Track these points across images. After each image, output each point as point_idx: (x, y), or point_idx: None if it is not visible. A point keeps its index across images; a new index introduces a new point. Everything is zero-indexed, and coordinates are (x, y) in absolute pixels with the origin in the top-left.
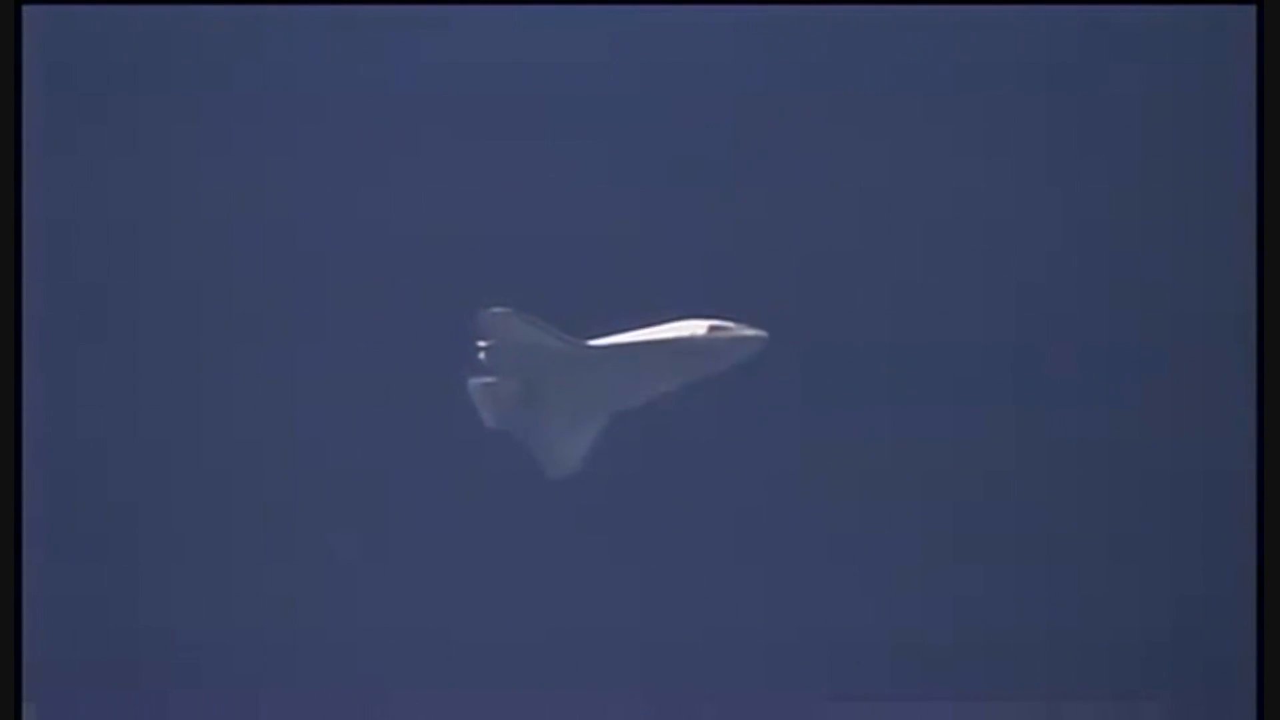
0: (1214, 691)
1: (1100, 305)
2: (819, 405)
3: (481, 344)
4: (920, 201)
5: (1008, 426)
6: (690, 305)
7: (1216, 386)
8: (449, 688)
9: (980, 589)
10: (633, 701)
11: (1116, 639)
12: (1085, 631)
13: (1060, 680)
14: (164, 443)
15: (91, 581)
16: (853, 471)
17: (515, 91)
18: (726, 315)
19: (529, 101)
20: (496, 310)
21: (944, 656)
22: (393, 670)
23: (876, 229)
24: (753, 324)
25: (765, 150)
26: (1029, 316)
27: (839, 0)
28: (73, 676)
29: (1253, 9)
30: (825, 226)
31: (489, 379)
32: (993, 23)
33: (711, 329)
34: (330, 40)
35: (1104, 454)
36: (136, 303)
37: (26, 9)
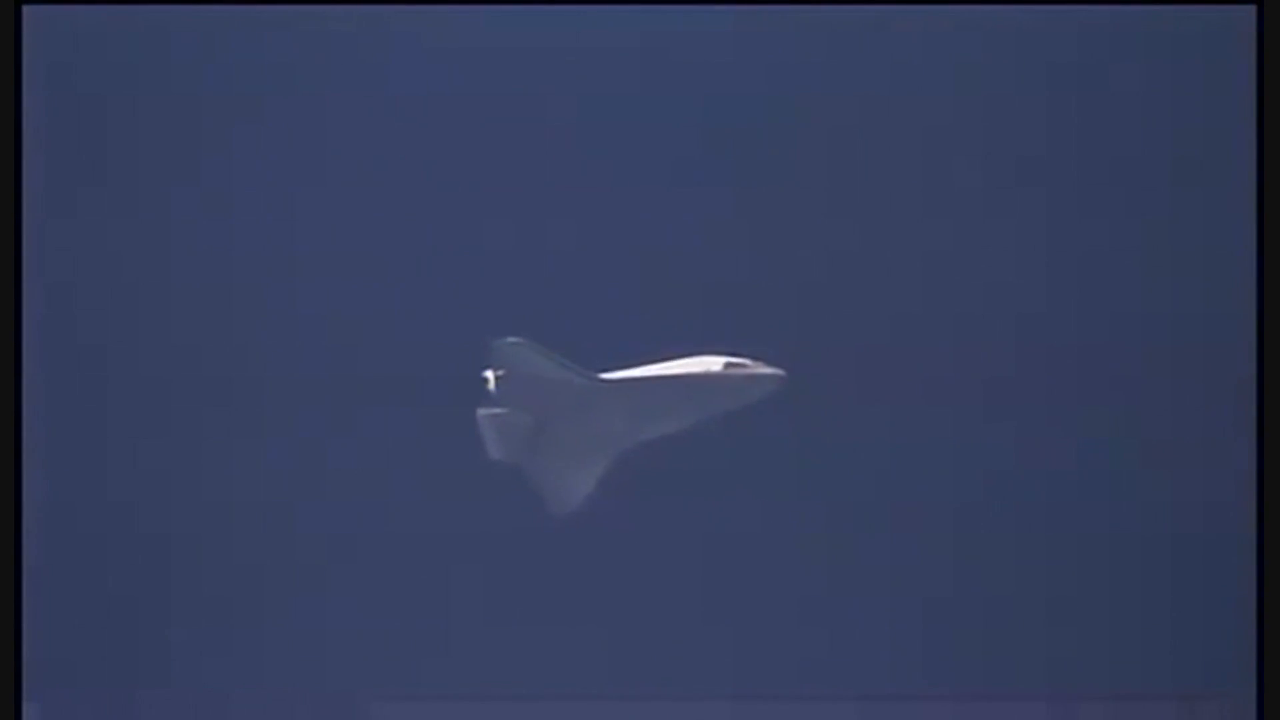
0: (1214, 691)
1: (1101, 305)
2: (821, 415)
3: (492, 374)
4: (920, 207)
5: (1009, 427)
6: (708, 340)
7: (1217, 386)
8: (443, 697)
9: (980, 588)
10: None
11: (1117, 639)
12: (1085, 631)
13: (1060, 680)
14: (165, 443)
15: (91, 580)
16: (853, 471)
17: (537, 116)
18: (744, 352)
19: (549, 129)
20: (510, 340)
21: (944, 656)
22: (391, 673)
23: (892, 257)
24: (770, 361)
25: (795, 183)
26: (1029, 316)
27: (842, 0)
28: (73, 676)
29: (1253, 9)
30: (850, 264)
31: (498, 410)
32: (992, 22)
33: (728, 365)
34: (335, 44)
35: (1104, 454)
36: (137, 306)
37: (26, 9)
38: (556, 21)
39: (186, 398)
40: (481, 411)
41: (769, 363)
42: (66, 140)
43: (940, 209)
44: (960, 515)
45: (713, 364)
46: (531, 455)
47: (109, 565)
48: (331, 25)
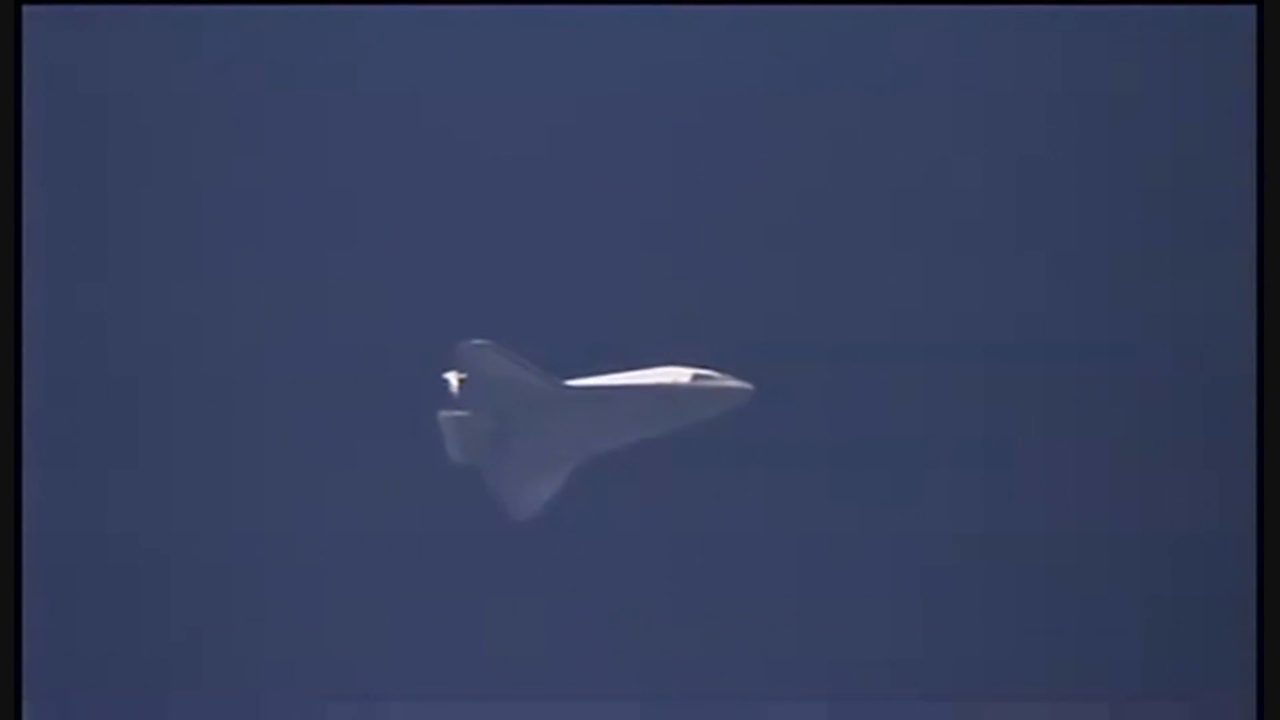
0: (1214, 691)
1: (1100, 305)
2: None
3: (455, 376)
4: (919, 206)
5: (1009, 427)
6: (678, 351)
7: (1217, 385)
8: (443, 695)
9: (981, 590)
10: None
11: (1117, 639)
12: (1086, 631)
13: (1061, 680)
14: (165, 445)
15: (91, 582)
16: (849, 474)
17: (513, 122)
18: (714, 364)
19: (526, 135)
20: (476, 343)
21: (944, 656)
22: (392, 671)
23: (878, 258)
24: (739, 374)
25: (774, 193)
26: (1030, 315)
27: (842, 0)
28: (73, 676)
29: (1253, 9)
30: (841, 265)
31: (461, 412)
32: (993, 23)
33: (695, 378)
34: (330, 44)
35: (1104, 455)
36: (136, 305)
37: (26, 9)
38: (538, 25)
39: (185, 398)
40: (444, 413)
41: (739, 375)
42: (66, 140)
43: (938, 210)
44: (958, 516)
45: (680, 375)
46: (493, 459)
47: (109, 566)
48: (331, 25)
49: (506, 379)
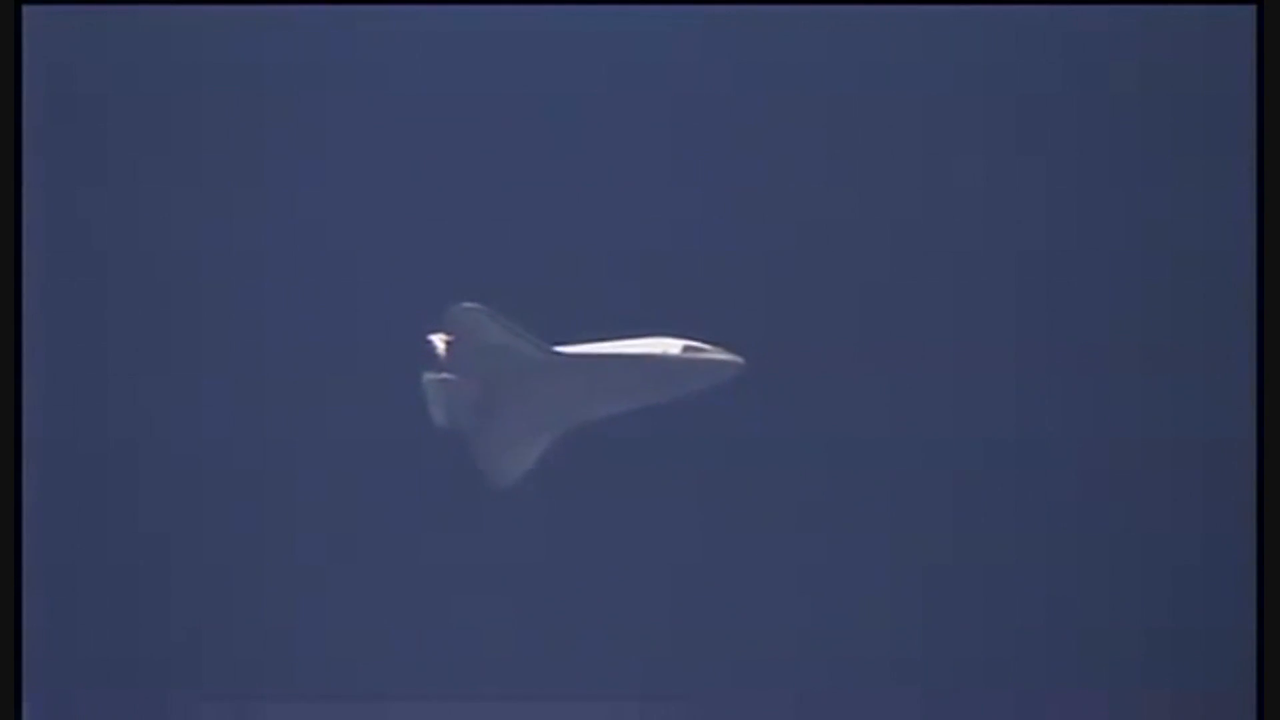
0: (1214, 691)
1: (1100, 305)
2: (810, 409)
3: (442, 339)
4: (917, 207)
5: (1007, 424)
6: (669, 322)
7: (1217, 384)
8: (442, 694)
9: (980, 586)
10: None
11: (1116, 637)
12: (1085, 629)
13: (1060, 677)
14: (162, 443)
15: (92, 580)
16: (846, 468)
17: (502, 87)
18: (707, 337)
19: (516, 98)
20: (466, 306)
21: (943, 654)
22: (390, 673)
23: (873, 240)
24: (731, 348)
25: (768, 159)
26: (1028, 315)
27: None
28: (73, 676)
29: (1253, 9)
30: (826, 244)
31: (446, 375)
32: (992, 22)
33: (686, 349)
34: (326, 39)
35: (1104, 454)
36: (134, 303)
37: (26, 9)
38: (531, 13)
39: (180, 395)
40: (429, 376)
41: (731, 349)
42: (66, 140)
43: (935, 209)
44: (955, 511)
45: (671, 346)
46: (477, 424)
47: (109, 565)
48: (330, 25)
49: (495, 343)
